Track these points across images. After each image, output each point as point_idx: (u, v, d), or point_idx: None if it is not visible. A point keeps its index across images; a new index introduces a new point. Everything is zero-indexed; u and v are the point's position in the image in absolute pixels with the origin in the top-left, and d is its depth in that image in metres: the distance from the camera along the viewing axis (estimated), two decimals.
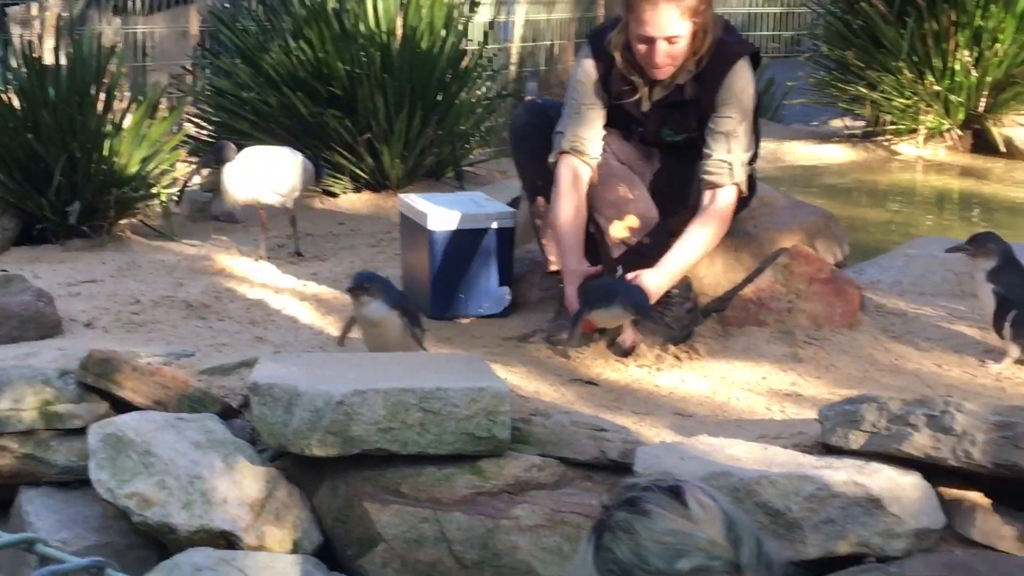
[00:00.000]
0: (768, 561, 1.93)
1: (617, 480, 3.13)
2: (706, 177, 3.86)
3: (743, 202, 4.14)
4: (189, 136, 5.94)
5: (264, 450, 3.36)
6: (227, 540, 3.19)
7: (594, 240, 4.00)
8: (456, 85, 5.80)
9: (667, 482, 1.98)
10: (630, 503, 1.97)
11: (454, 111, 5.76)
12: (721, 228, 3.90)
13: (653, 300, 3.76)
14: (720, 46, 3.81)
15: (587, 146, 3.91)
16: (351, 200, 5.65)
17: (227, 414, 3.51)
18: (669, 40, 3.72)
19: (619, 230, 3.92)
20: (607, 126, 3.97)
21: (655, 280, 3.78)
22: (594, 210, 3.92)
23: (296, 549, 3.22)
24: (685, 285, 4.01)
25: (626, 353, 3.91)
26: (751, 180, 4.12)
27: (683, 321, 4.00)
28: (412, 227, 4.35)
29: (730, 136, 3.85)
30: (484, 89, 6.35)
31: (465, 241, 4.21)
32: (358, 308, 3.74)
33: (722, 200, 3.87)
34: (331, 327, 4.12)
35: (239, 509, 3.19)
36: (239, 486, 3.21)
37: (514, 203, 4.48)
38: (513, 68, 7.91)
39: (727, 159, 3.84)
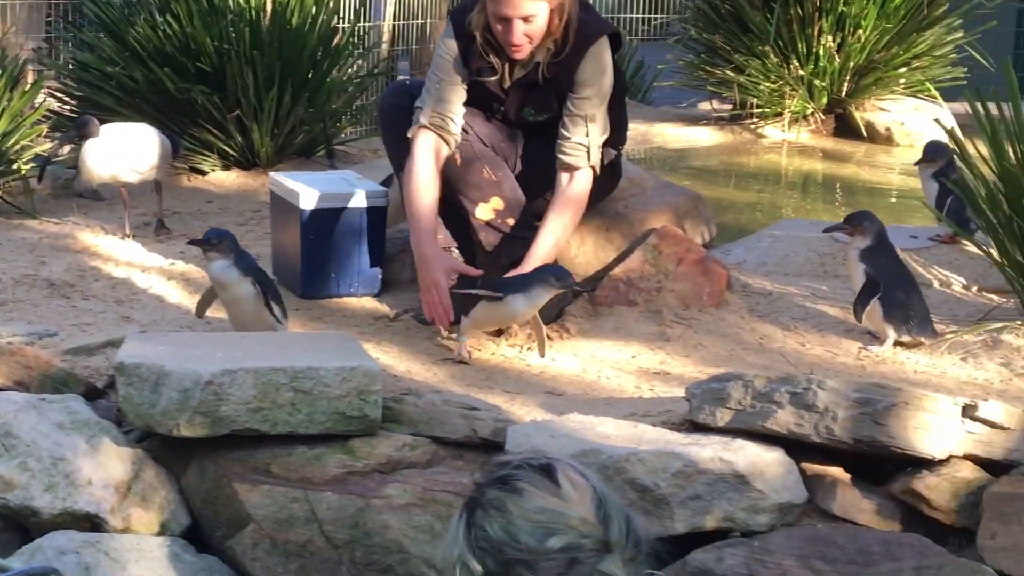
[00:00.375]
0: (636, 538, 1.96)
1: (488, 459, 3.15)
2: (562, 158, 3.90)
3: (610, 185, 4.18)
4: (51, 111, 5.80)
5: (130, 431, 3.31)
6: (92, 523, 3.14)
7: (463, 223, 4.01)
8: (327, 63, 5.74)
9: (539, 460, 1.99)
10: (502, 481, 1.98)
11: (325, 89, 5.70)
12: (578, 212, 3.95)
13: None
14: (579, 26, 3.84)
15: (447, 123, 3.91)
16: (220, 178, 5.57)
17: (92, 395, 3.44)
18: (525, 19, 3.75)
19: (484, 212, 3.93)
20: (470, 105, 3.98)
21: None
22: (459, 193, 3.93)
23: (163, 531, 3.18)
24: None
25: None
26: (617, 163, 4.17)
27: (553, 300, 4.03)
28: (283, 206, 4.31)
29: (588, 119, 3.88)
30: (355, 67, 6.30)
31: (336, 220, 4.19)
32: (207, 265, 3.72)
33: (578, 183, 3.92)
34: None
35: (104, 491, 3.14)
36: (104, 468, 3.16)
37: (386, 182, 4.46)
38: (385, 46, 7.84)
39: (584, 142, 3.89)
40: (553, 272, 3.69)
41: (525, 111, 3.99)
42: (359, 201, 4.20)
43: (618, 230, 4.32)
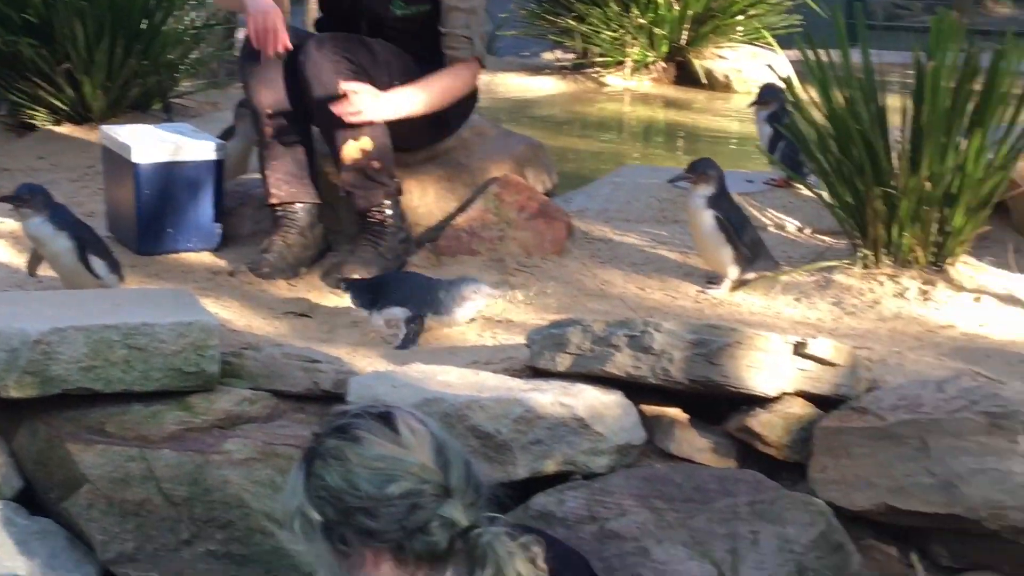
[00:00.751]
0: (477, 483, 1.97)
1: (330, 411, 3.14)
2: (448, 53, 3.99)
3: (469, 108, 4.26)
4: None
5: None
6: None
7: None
8: (161, 13, 5.60)
9: (378, 408, 1.99)
10: (341, 430, 1.98)
11: (159, 40, 5.56)
12: (459, 87, 4.04)
13: (380, 115, 3.87)
14: None
15: None
16: (51, 133, 5.41)
17: None
18: None
19: (352, 150, 3.91)
20: (337, 23, 3.95)
21: (387, 99, 3.88)
22: (332, 125, 3.89)
23: None
24: (398, 215, 4.03)
25: (340, 284, 3.92)
26: (474, 96, 4.25)
27: (397, 251, 4.02)
28: (115, 160, 4.20)
29: (468, 11, 3.97)
30: (191, 18, 6.15)
31: (172, 174, 4.10)
32: (21, 222, 3.64)
33: (465, 68, 4.03)
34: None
35: None
36: None
37: (225, 135, 4.38)
38: None
39: (466, 33, 3.98)
40: (472, 287, 3.65)
41: (394, 3, 4.00)
42: (194, 154, 4.12)
43: (460, 180, 4.32)
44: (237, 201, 4.30)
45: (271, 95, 3.96)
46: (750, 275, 3.91)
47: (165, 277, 3.97)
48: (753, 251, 3.91)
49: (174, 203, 4.10)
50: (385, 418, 1.98)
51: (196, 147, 4.13)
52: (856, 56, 3.99)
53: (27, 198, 3.62)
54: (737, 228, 3.88)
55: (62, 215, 3.66)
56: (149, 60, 5.50)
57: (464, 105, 4.30)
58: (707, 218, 3.88)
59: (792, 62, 6.00)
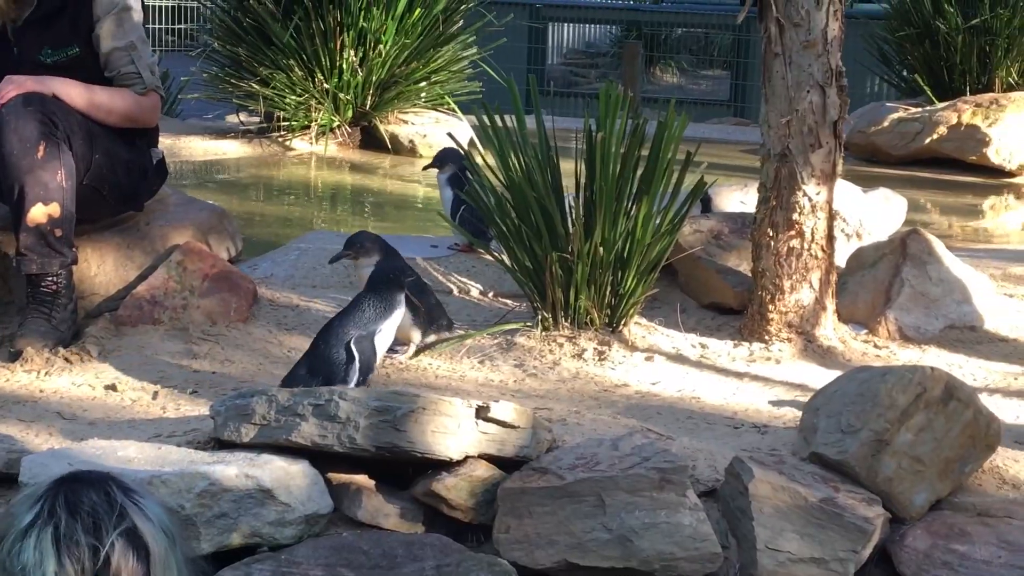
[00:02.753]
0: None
1: (3, 493, 2.99)
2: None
3: (159, 183, 4.25)
4: None
5: None
6: None
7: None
8: None
9: (37, 507, 1.88)
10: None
11: None
12: (130, 108, 4.00)
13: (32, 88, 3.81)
14: None
15: None
16: None
17: None
18: None
19: (39, 214, 3.79)
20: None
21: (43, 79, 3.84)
22: (24, 184, 3.75)
23: None
24: (71, 286, 3.91)
25: (13, 358, 3.77)
26: (163, 161, 4.25)
27: (68, 322, 3.90)
28: None
29: (127, 48, 3.95)
30: None
31: None
32: None
33: (143, 100, 4.03)
34: None
35: None
36: None
37: None
38: None
39: (132, 70, 3.97)
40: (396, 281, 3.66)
41: (44, 52, 3.93)
42: None
43: (139, 247, 4.24)
44: None
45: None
46: (431, 338, 3.98)
47: None
48: (433, 314, 3.98)
49: None
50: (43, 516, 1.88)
51: None
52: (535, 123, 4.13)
53: None
54: (415, 294, 3.94)
55: None
56: None
57: (153, 180, 4.26)
58: None
59: (475, 127, 6.17)
